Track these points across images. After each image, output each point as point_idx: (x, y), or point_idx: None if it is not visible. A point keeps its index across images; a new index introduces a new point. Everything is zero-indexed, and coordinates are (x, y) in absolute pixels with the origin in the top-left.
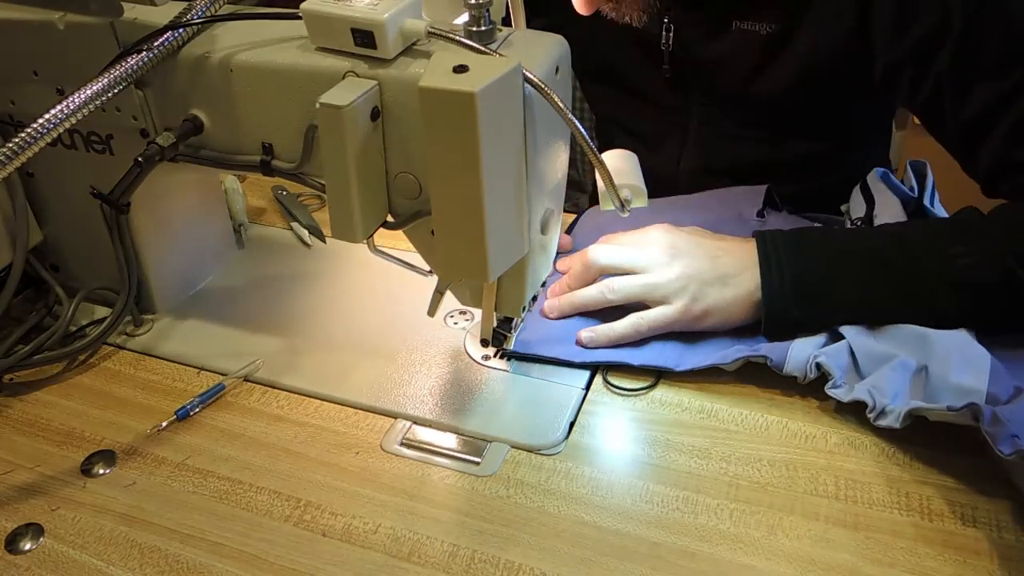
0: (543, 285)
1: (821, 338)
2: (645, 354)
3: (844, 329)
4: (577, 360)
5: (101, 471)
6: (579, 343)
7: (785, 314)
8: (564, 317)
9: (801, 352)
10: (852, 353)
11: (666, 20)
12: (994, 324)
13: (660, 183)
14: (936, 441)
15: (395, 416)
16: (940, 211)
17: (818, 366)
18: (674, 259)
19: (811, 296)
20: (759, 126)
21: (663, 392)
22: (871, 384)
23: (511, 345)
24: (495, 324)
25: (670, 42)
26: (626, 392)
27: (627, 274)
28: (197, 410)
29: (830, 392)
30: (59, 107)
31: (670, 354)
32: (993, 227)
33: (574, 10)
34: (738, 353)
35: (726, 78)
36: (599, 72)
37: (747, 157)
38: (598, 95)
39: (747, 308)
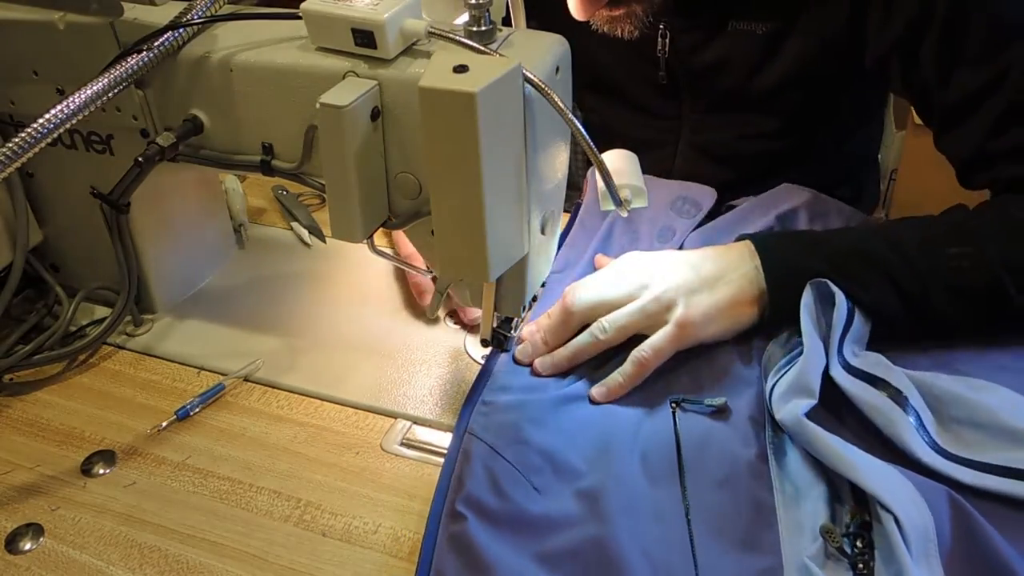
0: (543, 285)
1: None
2: None
3: None
4: None
5: (101, 471)
6: (592, 401)
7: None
8: (559, 372)
9: None
10: None
11: (661, 27)
12: (987, 327)
13: None
14: None
15: (395, 416)
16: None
17: None
18: (654, 279)
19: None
20: (752, 127)
21: None
22: None
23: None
24: (495, 324)
25: (665, 49)
26: None
27: (611, 311)
28: (197, 410)
29: None
30: (59, 107)
31: None
32: (986, 231)
33: (566, 17)
34: None
35: (723, 81)
36: (590, 79)
37: (739, 159)
38: (588, 102)
39: (746, 305)
